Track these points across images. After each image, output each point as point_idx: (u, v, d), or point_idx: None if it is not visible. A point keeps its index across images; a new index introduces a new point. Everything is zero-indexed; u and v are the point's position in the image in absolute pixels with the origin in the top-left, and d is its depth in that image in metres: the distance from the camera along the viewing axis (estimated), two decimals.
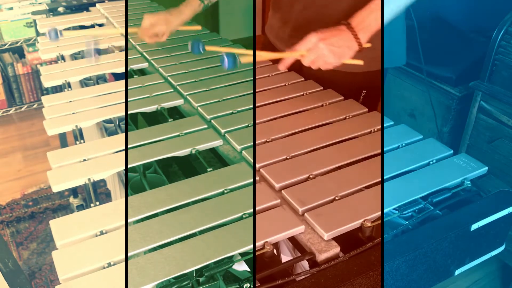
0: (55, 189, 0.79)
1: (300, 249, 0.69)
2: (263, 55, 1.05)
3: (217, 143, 0.91)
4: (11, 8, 2.66)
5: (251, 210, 0.71)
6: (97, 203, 0.76)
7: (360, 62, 0.98)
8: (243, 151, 0.88)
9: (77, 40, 1.41)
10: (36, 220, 2.02)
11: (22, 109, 2.78)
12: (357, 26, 0.92)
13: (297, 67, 1.13)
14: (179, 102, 1.07)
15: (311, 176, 0.79)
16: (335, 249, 0.66)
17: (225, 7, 3.14)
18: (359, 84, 1.16)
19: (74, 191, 2.06)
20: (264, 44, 1.34)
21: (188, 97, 1.08)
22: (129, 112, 1.01)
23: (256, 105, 1.02)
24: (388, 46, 1.22)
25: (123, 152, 0.85)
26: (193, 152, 0.88)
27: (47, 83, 1.17)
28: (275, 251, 0.66)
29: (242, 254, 0.65)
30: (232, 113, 1.01)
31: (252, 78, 1.16)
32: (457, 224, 0.71)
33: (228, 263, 0.63)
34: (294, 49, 0.95)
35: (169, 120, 0.99)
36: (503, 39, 1.54)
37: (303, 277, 0.62)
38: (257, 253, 0.64)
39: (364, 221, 0.69)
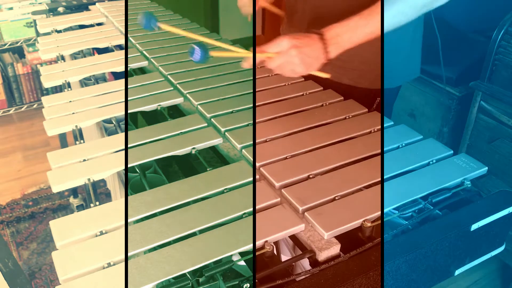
0: (55, 189, 0.79)
1: (301, 247, 0.69)
2: (229, 50, 0.94)
3: (217, 141, 0.91)
4: (11, 8, 2.66)
5: (251, 209, 0.71)
6: (97, 203, 0.76)
7: (327, 75, 0.94)
8: (243, 150, 0.88)
9: (77, 40, 1.42)
10: (36, 220, 2.02)
11: (22, 109, 2.78)
12: (330, 39, 0.87)
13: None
14: (179, 100, 1.07)
15: (311, 176, 0.79)
16: (336, 246, 0.66)
17: (225, 6, 3.14)
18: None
19: (74, 191, 2.06)
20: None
21: (188, 95, 1.08)
22: (129, 111, 1.01)
23: (256, 104, 1.02)
24: (404, 60, 1.20)
25: (123, 152, 0.85)
26: (193, 152, 0.88)
27: (47, 83, 1.16)
28: (275, 251, 0.66)
29: (242, 254, 0.65)
30: (232, 112, 1.01)
31: (252, 78, 1.16)
32: (457, 224, 0.70)
33: (228, 263, 0.63)
34: (262, 49, 0.88)
35: (169, 119, 0.99)
36: (503, 39, 1.54)
37: (303, 277, 0.62)
38: (257, 253, 0.64)
39: (364, 221, 0.69)
